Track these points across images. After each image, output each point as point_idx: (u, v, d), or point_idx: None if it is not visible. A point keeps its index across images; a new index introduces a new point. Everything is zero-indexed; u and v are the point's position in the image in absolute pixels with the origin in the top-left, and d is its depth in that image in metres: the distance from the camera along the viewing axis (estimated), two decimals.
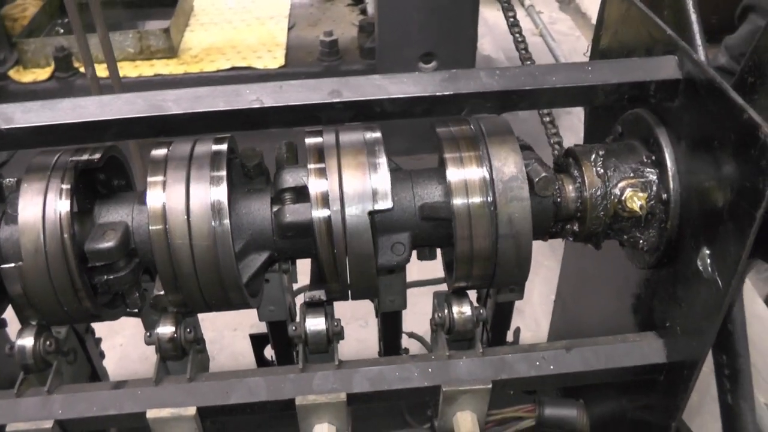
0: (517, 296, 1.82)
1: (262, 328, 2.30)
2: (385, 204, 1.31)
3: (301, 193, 1.37)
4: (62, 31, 4.34)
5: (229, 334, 3.05)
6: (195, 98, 1.30)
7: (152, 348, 1.52)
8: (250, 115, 1.29)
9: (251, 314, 1.79)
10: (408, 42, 3.56)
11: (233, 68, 4.01)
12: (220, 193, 1.31)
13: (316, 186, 1.31)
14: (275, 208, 1.38)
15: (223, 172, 1.34)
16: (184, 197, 1.30)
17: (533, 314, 3.15)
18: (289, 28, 4.47)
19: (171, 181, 1.33)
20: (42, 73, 4.02)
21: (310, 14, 4.70)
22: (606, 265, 1.83)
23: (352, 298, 1.43)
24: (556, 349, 1.48)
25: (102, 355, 2.08)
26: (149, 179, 1.35)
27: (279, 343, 1.94)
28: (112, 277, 1.36)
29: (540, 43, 4.77)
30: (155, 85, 3.91)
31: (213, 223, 1.29)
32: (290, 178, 1.38)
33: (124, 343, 3.01)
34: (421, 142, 3.62)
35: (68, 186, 1.34)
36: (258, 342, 2.20)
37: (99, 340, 2.06)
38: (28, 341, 1.47)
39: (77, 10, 3.19)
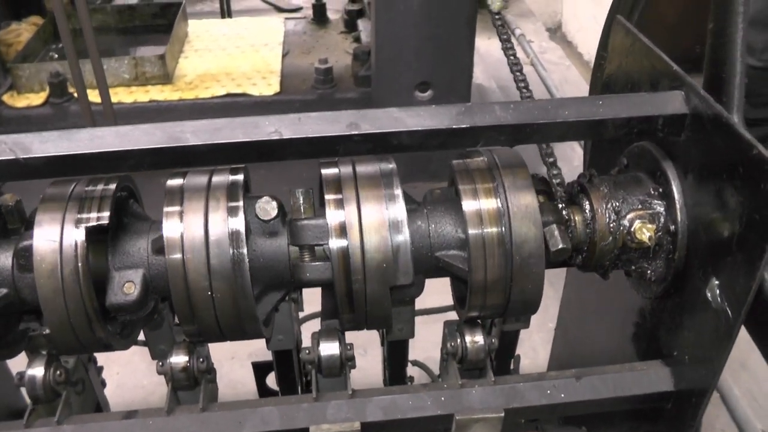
0: (523, 325, 1.84)
1: (260, 356, 2.30)
2: (407, 280, 1.36)
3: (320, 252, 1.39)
4: (57, 56, 4.34)
5: (227, 362, 3.04)
6: (214, 130, 1.31)
7: (148, 377, 1.53)
8: (269, 146, 1.31)
9: (249, 342, 1.79)
10: (404, 71, 3.60)
11: (228, 95, 4.02)
12: (238, 223, 1.32)
13: (334, 218, 1.33)
14: (293, 258, 1.40)
15: (240, 203, 1.35)
16: (202, 227, 1.31)
17: (531, 342, 3.17)
18: (284, 55, 4.50)
19: (188, 212, 1.34)
20: (36, 99, 4.01)
21: (304, 42, 4.75)
22: (608, 294, 1.86)
23: (367, 329, 1.44)
24: (566, 378, 1.49)
25: (103, 384, 2.07)
26: (165, 209, 1.36)
27: (284, 372, 1.94)
28: (134, 318, 1.37)
29: (531, 72, 4.85)
30: (150, 111, 3.92)
31: (231, 252, 1.30)
32: (310, 235, 1.38)
33: (120, 372, 2.99)
34: (416, 171, 3.66)
35: (83, 216, 1.35)
36: (260, 370, 2.20)
37: (101, 368, 2.05)
38: (38, 371, 1.47)
39: (71, 36, 3.21)
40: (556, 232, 1.42)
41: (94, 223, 1.33)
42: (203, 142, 1.31)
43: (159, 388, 2.94)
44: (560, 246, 1.41)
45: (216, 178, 1.41)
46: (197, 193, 1.38)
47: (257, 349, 2.88)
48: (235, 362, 3.04)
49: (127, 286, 1.36)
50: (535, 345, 3.19)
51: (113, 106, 3.91)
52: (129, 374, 3.00)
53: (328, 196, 1.37)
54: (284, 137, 1.30)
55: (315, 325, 1.70)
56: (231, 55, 4.52)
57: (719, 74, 1.41)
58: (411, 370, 2.09)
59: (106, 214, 1.35)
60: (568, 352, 2.31)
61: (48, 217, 1.35)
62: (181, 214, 1.35)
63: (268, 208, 1.37)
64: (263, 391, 2.24)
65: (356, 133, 1.30)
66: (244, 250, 1.32)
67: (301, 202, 1.38)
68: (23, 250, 1.37)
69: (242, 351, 3.03)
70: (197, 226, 1.33)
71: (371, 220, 1.34)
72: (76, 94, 3.64)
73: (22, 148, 1.31)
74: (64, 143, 1.32)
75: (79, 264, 1.30)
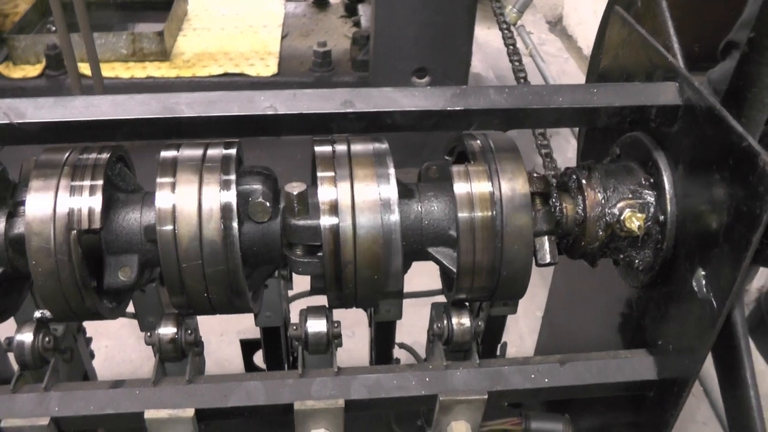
0: (511, 310, 1.85)
1: (248, 333, 2.31)
2: (396, 287, 1.40)
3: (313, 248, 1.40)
4: (54, 28, 4.30)
5: (215, 339, 3.04)
6: (209, 102, 1.32)
7: (137, 351, 1.53)
8: (263, 121, 1.31)
9: (237, 320, 1.78)
10: (402, 56, 3.59)
11: (225, 74, 4.01)
12: (229, 196, 1.33)
13: (326, 194, 1.34)
14: (285, 249, 1.42)
15: (233, 176, 1.36)
16: (194, 199, 1.31)
17: (517, 329, 3.19)
18: (282, 37, 4.49)
19: (180, 184, 1.35)
20: (32, 70, 3.99)
21: (303, 24, 4.73)
22: (596, 284, 1.87)
23: (356, 307, 1.45)
24: (551, 363, 1.51)
25: (92, 356, 2.08)
26: (158, 180, 1.37)
27: (271, 349, 1.95)
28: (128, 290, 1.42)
29: (529, 63, 4.83)
30: (147, 87, 3.91)
31: (222, 225, 1.31)
32: (303, 236, 1.38)
33: (109, 345, 3.00)
34: (408, 156, 3.66)
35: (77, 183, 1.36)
36: (248, 348, 2.21)
37: (89, 339, 2.06)
38: (27, 337, 1.48)
39: (62, 9, 3.21)
40: (546, 245, 1.45)
41: (86, 227, 1.33)
42: (198, 114, 1.32)
43: (147, 363, 2.95)
44: (547, 261, 1.45)
45: (209, 152, 1.41)
46: (190, 166, 1.38)
47: (246, 327, 2.89)
48: (223, 340, 3.05)
49: (124, 271, 1.39)
50: (522, 333, 3.21)
51: (112, 81, 3.92)
52: (118, 348, 3.01)
53: (320, 165, 1.38)
54: (278, 112, 1.30)
55: (303, 303, 1.71)
56: (230, 35, 4.50)
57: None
58: (397, 353, 2.10)
59: (98, 215, 1.34)
60: (554, 340, 2.33)
61: (40, 195, 1.34)
62: (173, 185, 1.35)
63: (260, 210, 1.36)
64: (250, 368, 2.25)
65: (351, 111, 1.31)
66: (235, 224, 1.32)
67: (295, 203, 1.36)
68: (16, 239, 1.37)
69: (231, 329, 3.04)
70: (189, 198, 1.33)
71: (364, 230, 1.34)
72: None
73: (16, 113, 1.31)
74: (59, 110, 1.32)
75: (72, 254, 1.31)
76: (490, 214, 1.38)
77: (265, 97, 1.32)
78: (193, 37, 4.46)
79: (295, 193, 1.35)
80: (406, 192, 1.44)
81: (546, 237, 1.45)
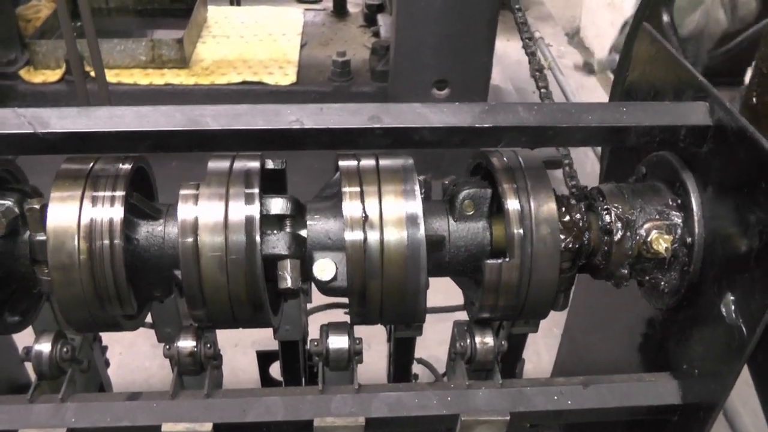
0: (532, 329, 1.83)
1: (264, 344, 2.29)
2: (420, 320, 1.47)
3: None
4: (75, 34, 4.33)
5: (230, 349, 3.03)
6: (234, 115, 1.31)
7: (151, 359, 1.52)
8: (289, 135, 1.30)
9: (253, 330, 1.77)
10: (422, 67, 3.58)
11: (244, 82, 4.01)
12: (253, 210, 1.32)
13: (351, 209, 1.32)
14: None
15: (256, 190, 1.35)
16: (221, 212, 1.30)
17: (535, 346, 3.16)
18: (301, 46, 4.49)
19: (203, 197, 1.34)
20: (52, 75, 4.01)
21: (322, 33, 4.73)
22: (617, 303, 1.84)
23: (380, 324, 1.44)
24: (574, 385, 1.48)
25: (107, 364, 2.07)
26: (181, 192, 1.36)
27: (289, 362, 1.93)
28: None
29: (548, 76, 4.81)
30: (165, 94, 3.91)
31: (245, 238, 1.30)
32: (336, 293, 1.41)
33: (124, 353, 3.00)
34: (428, 166, 3.64)
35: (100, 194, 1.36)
36: (264, 359, 2.19)
37: (105, 348, 2.05)
38: (45, 347, 1.47)
39: (70, 15, 3.25)
40: (560, 300, 1.53)
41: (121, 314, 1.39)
42: (223, 127, 1.30)
43: (161, 371, 2.94)
44: (558, 310, 1.54)
45: (230, 165, 1.41)
46: (213, 179, 1.37)
47: (262, 337, 2.88)
48: (238, 350, 3.04)
49: (158, 291, 1.44)
50: (539, 349, 3.18)
51: (131, 87, 3.94)
52: (132, 355, 3.00)
53: (345, 180, 1.38)
54: (305, 127, 1.29)
55: (322, 317, 1.69)
56: (249, 43, 4.51)
57: None
58: (415, 368, 2.08)
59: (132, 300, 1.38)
60: (573, 358, 2.30)
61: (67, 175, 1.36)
62: (195, 198, 1.34)
63: (290, 294, 1.40)
64: (266, 380, 2.24)
65: (378, 126, 1.29)
66: (257, 237, 1.31)
67: (327, 286, 1.39)
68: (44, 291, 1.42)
69: (246, 339, 3.03)
70: (213, 212, 1.32)
71: (391, 246, 1.34)
72: (92, 73, 3.64)
73: (40, 123, 1.31)
74: (82, 120, 1.32)
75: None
76: (515, 299, 1.44)
77: (291, 111, 1.31)
78: (212, 45, 4.47)
79: (326, 279, 1.38)
80: (435, 246, 1.43)
81: (562, 293, 1.50)
